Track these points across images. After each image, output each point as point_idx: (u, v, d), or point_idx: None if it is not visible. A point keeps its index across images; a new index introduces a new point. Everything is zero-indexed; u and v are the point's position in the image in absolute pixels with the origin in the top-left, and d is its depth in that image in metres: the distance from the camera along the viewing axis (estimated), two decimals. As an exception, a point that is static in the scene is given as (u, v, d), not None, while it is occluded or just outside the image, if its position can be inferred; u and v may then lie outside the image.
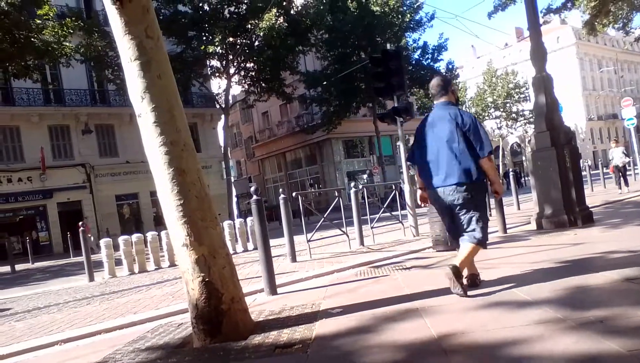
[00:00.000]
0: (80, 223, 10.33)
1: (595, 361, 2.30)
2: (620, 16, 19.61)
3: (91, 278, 9.53)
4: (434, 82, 4.17)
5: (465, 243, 3.85)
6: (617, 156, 14.95)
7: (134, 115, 3.52)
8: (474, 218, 3.83)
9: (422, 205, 4.55)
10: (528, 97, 48.80)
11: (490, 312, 3.34)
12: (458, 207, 3.85)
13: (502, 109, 51.58)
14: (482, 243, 3.85)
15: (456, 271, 3.68)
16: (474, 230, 3.82)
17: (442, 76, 4.24)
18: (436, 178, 3.92)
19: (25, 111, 24.32)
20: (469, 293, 3.75)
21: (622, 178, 14.48)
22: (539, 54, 7.81)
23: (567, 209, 7.34)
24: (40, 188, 24.68)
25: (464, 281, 3.81)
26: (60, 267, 15.66)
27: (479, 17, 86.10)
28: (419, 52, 30.30)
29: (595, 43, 64.67)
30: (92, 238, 17.36)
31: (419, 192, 4.29)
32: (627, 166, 15.23)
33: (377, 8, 26.88)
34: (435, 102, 4.14)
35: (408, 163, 4.24)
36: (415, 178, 4.36)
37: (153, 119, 3.38)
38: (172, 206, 3.41)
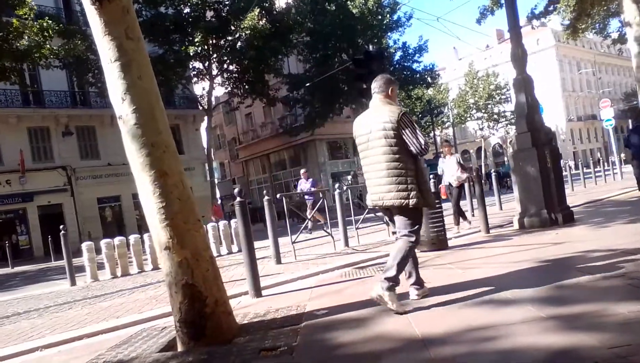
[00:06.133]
0: (61, 226, 10.10)
1: (576, 357, 2.33)
2: (597, 20, 20.10)
3: (73, 283, 9.37)
4: None
5: None
6: (448, 170, 9.10)
7: (115, 117, 3.48)
8: None
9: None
10: (509, 99, 49.43)
11: (474, 311, 3.37)
12: None
13: (483, 111, 52.11)
14: None
15: None
16: None
17: None
18: None
19: (3, 113, 23.74)
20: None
21: (458, 210, 9.00)
22: (519, 56, 7.91)
23: (549, 209, 7.44)
24: (20, 191, 24.13)
25: None
26: (41, 271, 15.37)
27: (461, 19, 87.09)
28: (399, 53, 30.56)
29: (574, 45, 65.61)
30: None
31: (634, 162, 9.68)
32: (464, 185, 9.68)
33: (356, 10, 26.99)
34: (632, 121, 7.88)
35: (625, 147, 7.86)
36: (627, 155, 7.85)
37: (134, 121, 3.34)
38: (154, 209, 3.38)
